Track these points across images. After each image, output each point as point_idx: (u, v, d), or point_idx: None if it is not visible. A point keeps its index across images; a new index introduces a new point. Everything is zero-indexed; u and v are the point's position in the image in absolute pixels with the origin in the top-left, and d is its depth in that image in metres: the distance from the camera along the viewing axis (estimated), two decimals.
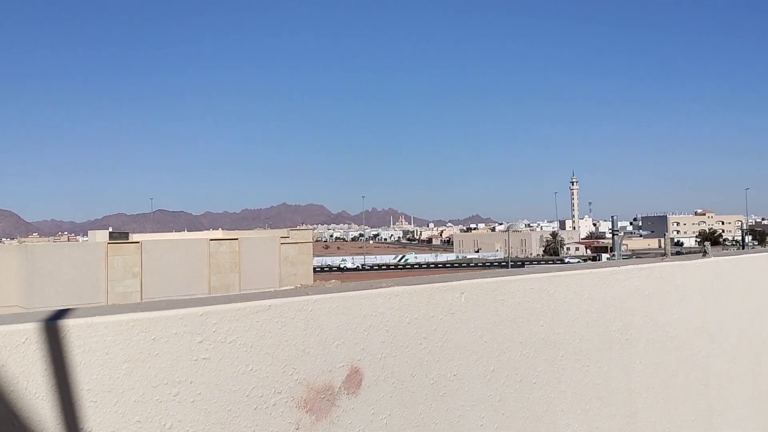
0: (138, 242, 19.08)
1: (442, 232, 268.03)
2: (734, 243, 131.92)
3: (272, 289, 1.47)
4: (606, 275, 1.81)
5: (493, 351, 1.52)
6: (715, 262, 2.22)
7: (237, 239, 20.85)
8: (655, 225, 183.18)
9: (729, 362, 2.19)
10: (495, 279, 1.53)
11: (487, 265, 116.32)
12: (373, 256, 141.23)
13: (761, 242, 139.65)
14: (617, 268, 1.86)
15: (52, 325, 1.09)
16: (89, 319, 1.13)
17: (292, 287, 1.55)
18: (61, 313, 1.14)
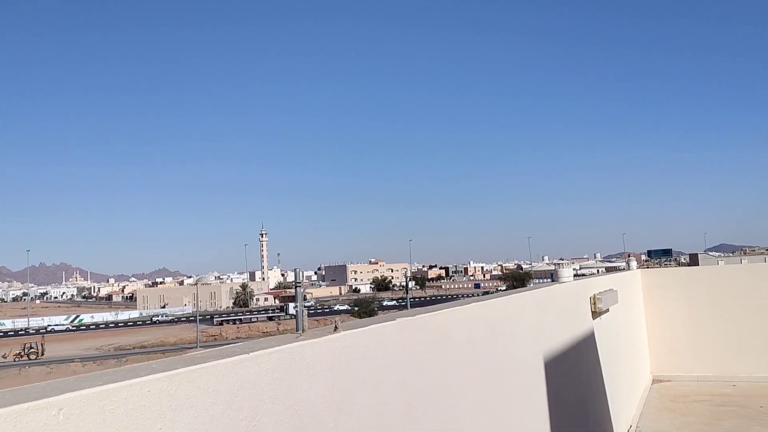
0: None
1: (124, 287, 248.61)
2: (401, 288, 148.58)
3: None
4: (233, 365, 1.81)
5: None
6: (344, 336, 2.38)
7: None
8: (337, 273, 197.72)
9: (359, 430, 2.34)
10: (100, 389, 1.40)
11: (174, 321, 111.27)
12: (40, 318, 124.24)
13: (422, 286, 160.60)
14: (247, 355, 1.87)
15: None
16: None
17: None
18: None
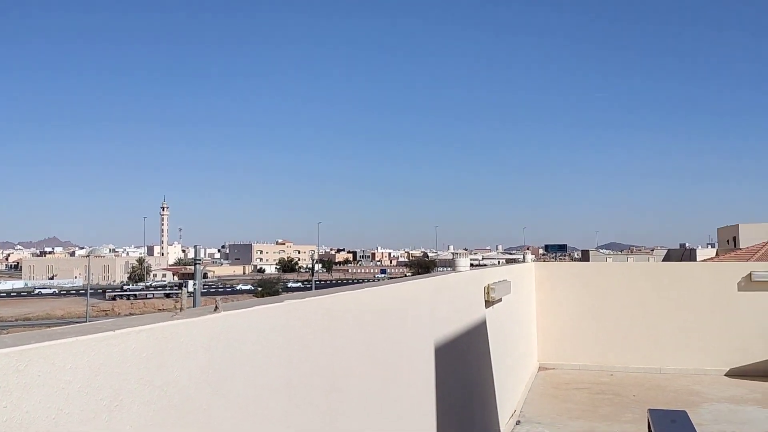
0: None
1: (8, 255, 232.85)
2: (308, 270, 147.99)
3: None
4: (95, 342, 1.69)
5: None
6: (224, 317, 2.30)
7: None
8: (242, 252, 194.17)
9: (234, 411, 2.28)
10: None
11: (63, 293, 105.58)
12: None
13: (329, 269, 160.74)
14: (111, 332, 1.76)
15: None
16: None
17: None
18: None
